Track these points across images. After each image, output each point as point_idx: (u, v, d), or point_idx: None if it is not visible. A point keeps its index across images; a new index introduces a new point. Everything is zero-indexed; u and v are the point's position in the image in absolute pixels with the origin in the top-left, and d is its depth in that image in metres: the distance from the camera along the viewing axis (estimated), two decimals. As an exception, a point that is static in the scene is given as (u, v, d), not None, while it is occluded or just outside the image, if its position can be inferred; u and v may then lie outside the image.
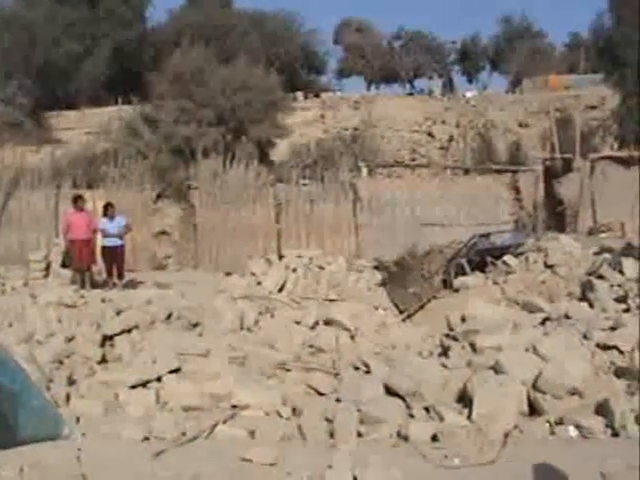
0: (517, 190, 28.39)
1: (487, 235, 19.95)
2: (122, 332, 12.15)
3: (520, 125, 49.53)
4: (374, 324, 13.24)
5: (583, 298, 14.34)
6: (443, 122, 50.28)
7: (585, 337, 10.93)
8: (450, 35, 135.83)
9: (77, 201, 20.25)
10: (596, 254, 16.91)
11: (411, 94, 69.28)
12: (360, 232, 26.22)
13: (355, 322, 12.88)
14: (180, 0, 66.41)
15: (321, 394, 9.56)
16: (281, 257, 18.97)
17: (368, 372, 10.19)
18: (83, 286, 18.79)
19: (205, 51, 38.20)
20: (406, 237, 24.23)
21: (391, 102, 53.77)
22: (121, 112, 39.58)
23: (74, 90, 53.93)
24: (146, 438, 7.98)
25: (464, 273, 17.78)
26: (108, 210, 20.43)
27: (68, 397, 9.35)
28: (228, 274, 20.38)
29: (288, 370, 10.39)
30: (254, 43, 56.51)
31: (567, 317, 12.75)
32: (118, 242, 20.22)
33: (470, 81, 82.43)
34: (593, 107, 45.98)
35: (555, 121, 33.91)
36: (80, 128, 43.93)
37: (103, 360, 11.21)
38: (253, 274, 17.46)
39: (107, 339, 11.98)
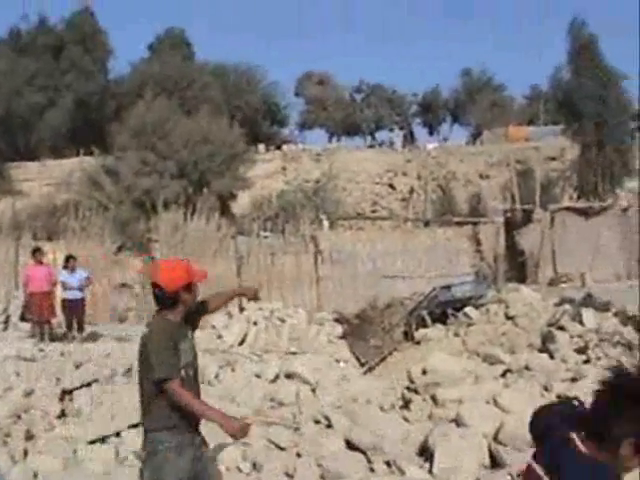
0: (478, 241, 28.53)
1: (448, 287, 19.97)
2: (82, 386, 12.02)
3: (481, 177, 49.89)
4: (335, 377, 13.19)
5: (544, 349, 14.38)
6: (404, 174, 50.56)
7: (546, 389, 10.96)
8: (411, 88, 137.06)
9: (36, 254, 20.12)
10: (556, 305, 16.98)
11: (372, 146, 69.78)
12: (321, 284, 26.17)
13: (316, 375, 12.83)
14: (142, 52, 66.75)
15: (282, 449, 9.48)
16: (242, 310, 18.86)
17: (329, 426, 10.13)
18: (42, 339, 18.59)
19: (167, 103, 38.31)
20: (367, 289, 24.27)
21: (352, 154, 54.06)
22: (82, 164, 39.53)
23: (35, 141, 53.87)
24: (105, 495, 7.90)
25: (425, 325, 17.80)
26: (69, 262, 20.27)
27: (26, 452, 9.23)
28: (189, 327, 20.26)
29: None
30: (216, 95, 56.81)
31: (527, 369, 12.78)
32: (78, 295, 20.03)
33: (431, 133, 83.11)
34: (553, 158, 46.47)
35: (515, 172, 34.21)
36: (41, 179, 43.76)
37: (62, 415, 11.08)
38: (214, 327, 17.36)
39: (66, 393, 11.85)
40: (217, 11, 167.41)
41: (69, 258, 20.47)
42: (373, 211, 46.60)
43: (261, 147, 56.57)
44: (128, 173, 33.40)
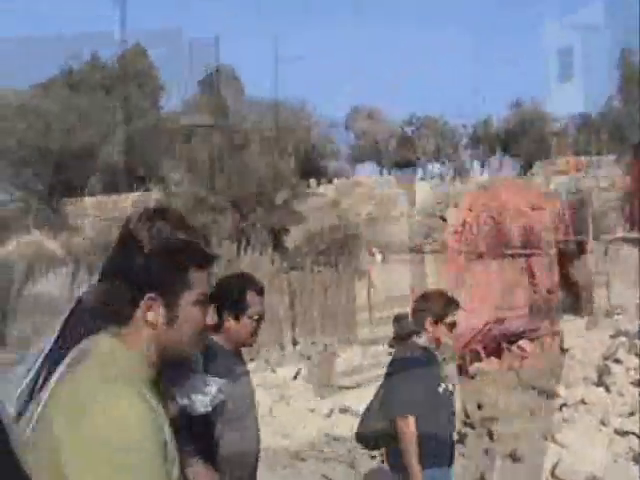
0: (531, 274, 28.32)
1: (502, 320, 19.83)
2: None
3: (532, 208, 49.53)
4: (390, 411, 13.12)
5: (600, 382, 14.23)
6: (455, 206, 50.37)
7: (603, 423, 10.83)
8: (461, 120, 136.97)
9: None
10: (612, 337, 16.81)
11: (423, 179, 69.67)
12: (374, 318, 26.09)
13: (371, 409, 12.77)
14: (194, 88, 67.20)
15: (337, 484, 9.47)
16: (296, 344, 18.90)
17: (384, 461, 10.09)
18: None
19: (219, 138, 38.56)
20: (421, 322, 24.16)
21: (404, 187, 54.01)
22: (136, 199, 39.85)
23: (90, 177, 54.45)
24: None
25: (479, 359, 17.68)
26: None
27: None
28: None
29: (303, 460, 10.31)
30: (266, 130, 57.09)
31: (584, 402, 12.63)
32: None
33: (482, 165, 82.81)
34: (605, 189, 46.12)
35: (567, 203, 33.97)
36: (96, 215, 44.21)
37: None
38: (267, 362, 17.40)
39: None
40: (266, 46, 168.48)
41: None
42: (425, 244, 46.45)
43: (313, 181, 56.70)
44: (182, 208, 33.63)
